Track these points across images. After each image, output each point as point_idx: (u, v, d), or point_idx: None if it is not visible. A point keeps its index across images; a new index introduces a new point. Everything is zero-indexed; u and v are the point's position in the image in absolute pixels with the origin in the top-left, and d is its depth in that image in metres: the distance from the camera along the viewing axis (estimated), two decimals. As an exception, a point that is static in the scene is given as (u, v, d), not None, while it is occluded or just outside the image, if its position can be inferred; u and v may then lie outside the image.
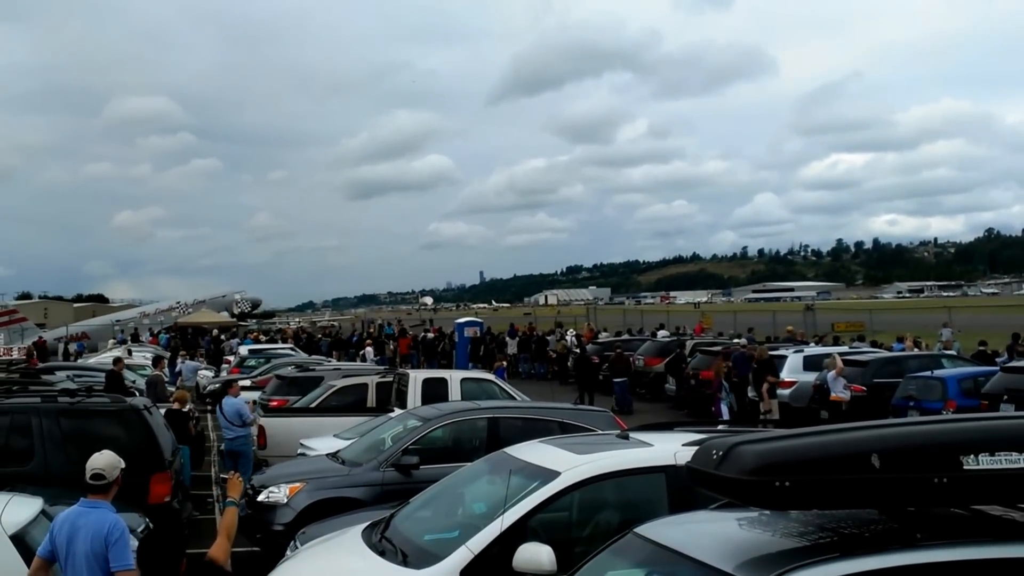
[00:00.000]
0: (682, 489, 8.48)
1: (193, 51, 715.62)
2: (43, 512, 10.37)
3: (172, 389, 26.97)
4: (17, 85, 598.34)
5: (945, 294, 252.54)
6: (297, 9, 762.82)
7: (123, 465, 8.65)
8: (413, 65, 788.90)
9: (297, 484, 14.95)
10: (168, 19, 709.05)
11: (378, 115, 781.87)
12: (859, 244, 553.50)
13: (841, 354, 33.03)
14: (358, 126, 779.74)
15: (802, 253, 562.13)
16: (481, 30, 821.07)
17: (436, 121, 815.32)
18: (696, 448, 6.35)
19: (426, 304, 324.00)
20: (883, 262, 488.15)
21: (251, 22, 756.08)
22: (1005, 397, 23.91)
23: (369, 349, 53.36)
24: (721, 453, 5.72)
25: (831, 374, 26.67)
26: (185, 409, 21.18)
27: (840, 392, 26.24)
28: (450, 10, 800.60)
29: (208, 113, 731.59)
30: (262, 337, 65.37)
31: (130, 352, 44.39)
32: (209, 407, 35.20)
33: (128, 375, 31.33)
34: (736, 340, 42.19)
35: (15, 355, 56.68)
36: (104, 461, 8.51)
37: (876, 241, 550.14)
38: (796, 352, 34.20)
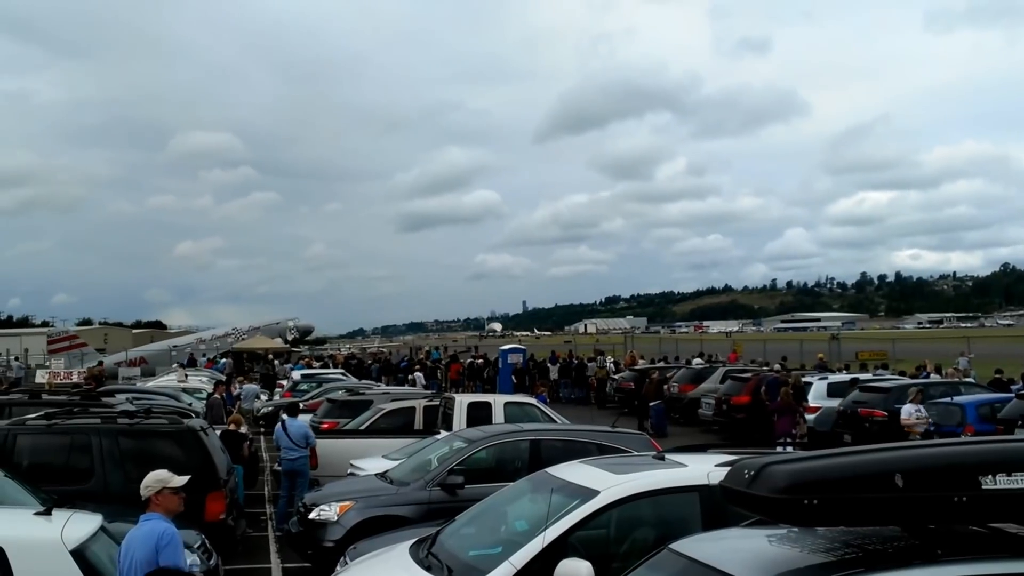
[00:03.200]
0: (715, 507, 8.51)
1: (256, 89, 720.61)
2: (102, 528, 10.45)
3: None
4: (86, 119, 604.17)
5: (963, 325, 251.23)
6: (356, 51, 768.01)
7: (163, 484, 8.54)
8: (466, 105, 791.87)
9: (347, 502, 15.00)
10: (233, 58, 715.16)
11: (431, 151, 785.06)
12: (882, 277, 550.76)
13: (863, 381, 33.07)
14: (411, 162, 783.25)
15: (828, 285, 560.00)
16: (531, 72, 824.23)
17: (486, 157, 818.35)
18: (729, 468, 6.37)
19: (495, 330, 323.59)
20: (905, 294, 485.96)
21: (312, 62, 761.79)
22: (1020, 423, 23.90)
23: (419, 374, 53.34)
24: (753, 473, 5.75)
25: (909, 403, 26.17)
26: (241, 431, 21.25)
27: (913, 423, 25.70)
28: (502, 53, 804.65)
29: (269, 148, 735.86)
30: (315, 363, 65.35)
31: (186, 376, 44.55)
32: (263, 429, 35.29)
33: (185, 398, 31.48)
34: (770, 367, 42.14)
35: (75, 379, 57.03)
36: (143, 480, 8.59)
37: (898, 274, 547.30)
38: (821, 379, 34.16)
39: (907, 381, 34.86)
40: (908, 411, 25.61)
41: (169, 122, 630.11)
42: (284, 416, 21.48)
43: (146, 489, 8.47)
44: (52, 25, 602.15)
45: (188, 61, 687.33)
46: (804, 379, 34.24)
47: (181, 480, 8.65)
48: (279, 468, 21.94)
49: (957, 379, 35.95)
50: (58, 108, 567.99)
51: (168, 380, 43.89)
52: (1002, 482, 5.66)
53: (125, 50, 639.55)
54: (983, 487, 5.64)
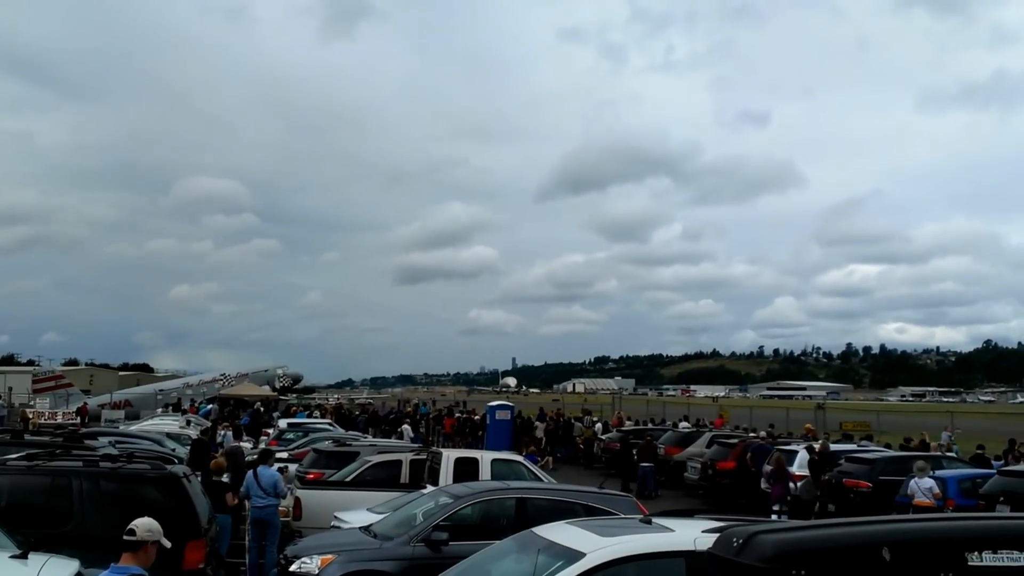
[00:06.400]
0: (701, 574, 8.45)
1: (263, 138, 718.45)
2: (79, 574, 10.35)
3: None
4: (90, 161, 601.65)
5: (945, 399, 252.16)
6: (363, 105, 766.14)
7: (160, 537, 8.36)
8: (470, 162, 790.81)
9: (329, 556, 14.82)
10: (239, 108, 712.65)
11: (432, 206, 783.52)
12: (867, 349, 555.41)
13: (849, 451, 33.12)
14: (412, 215, 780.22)
15: (814, 355, 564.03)
16: (535, 133, 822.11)
17: (486, 214, 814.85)
18: (716, 535, 6.35)
19: (509, 385, 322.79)
20: (888, 367, 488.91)
21: (319, 114, 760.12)
22: (1001, 498, 23.89)
23: (407, 427, 53.19)
24: (741, 541, 5.74)
25: (918, 480, 25.42)
26: (224, 479, 20.99)
27: (922, 497, 25.12)
28: (507, 113, 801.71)
29: (273, 196, 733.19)
30: (317, 412, 65.30)
31: (189, 423, 44.41)
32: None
33: (169, 443, 31.30)
34: (756, 434, 42.27)
35: (59, 419, 56.85)
36: (141, 521, 8.35)
37: (883, 347, 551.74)
38: (806, 448, 34.12)
39: (891, 453, 34.92)
40: (920, 487, 24.69)
41: (174, 167, 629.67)
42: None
43: (147, 533, 8.28)
44: (60, 68, 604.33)
45: (195, 109, 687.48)
46: (790, 447, 34.31)
47: (167, 543, 8.52)
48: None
49: (940, 453, 36.06)
50: (63, 150, 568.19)
51: (152, 424, 43.67)
52: (988, 559, 5.68)
53: (132, 95, 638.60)
54: (969, 563, 5.65)
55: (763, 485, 32.29)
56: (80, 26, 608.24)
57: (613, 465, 43.50)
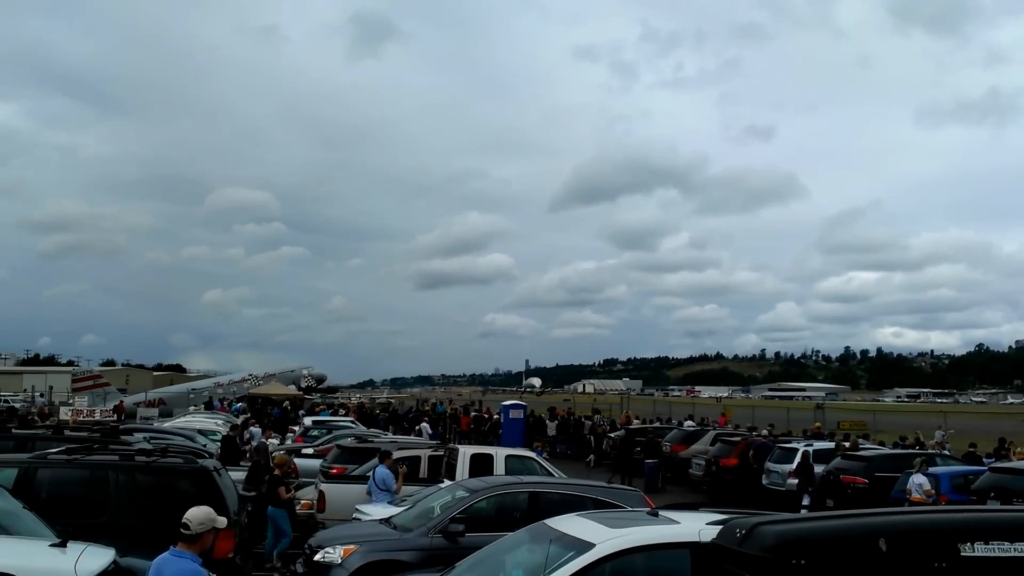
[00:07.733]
0: (705, 564, 8.44)
1: (292, 151, 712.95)
2: (115, 563, 10.36)
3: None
4: (130, 174, 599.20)
5: (939, 400, 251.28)
6: (387, 120, 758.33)
7: (215, 525, 8.27)
8: (488, 174, 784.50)
9: (351, 546, 14.82)
10: (271, 122, 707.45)
11: (452, 216, 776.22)
12: (864, 352, 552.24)
13: (845, 449, 33.11)
14: (433, 225, 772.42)
15: (814, 358, 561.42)
16: (550, 146, 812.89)
17: (503, 224, 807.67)
18: (720, 527, 6.37)
19: (534, 386, 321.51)
20: (885, 369, 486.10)
21: (345, 129, 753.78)
22: (992, 494, 23.82)
23: (425, 425, 53.17)
24: (744, 532, 5.76)
25: (915, 476, 25.56)
26: (277, 473, 21.04)
27: (917, 493, 25.15)
28: (525, 128, 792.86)
29: (301, 206, 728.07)
30: (340, 410, 65.36)
31: (244, 422, 44.57)
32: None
33: (200, 439, 31.39)
34: (758, 432, 42.28)
35: (97, 416, 56.93)
36: (193, 513, 8.27)
37: (880, 350, 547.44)
38: (806, 446, 34.09)
39: (886, 451, 34.93)
40: (914, 483, 24.84)
41: (208, 178, 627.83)
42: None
43: (200, 525, 8.17)
44: (102, 85, 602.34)
45: (229, 123, 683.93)
46: (790, 444, 34.34)
47: (224, 521, 8.47)
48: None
49: (935, 451, 36.07)
50: (105, 162, 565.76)
51: (184, 421, 43.78)
52: (980, 550, 5.69)
53: (170, 111, 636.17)
54: (962, 554, 5.66)
55: (765, 481, 32.37)
56: (121, 45, 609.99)
57: (617, 461, 43.48)
